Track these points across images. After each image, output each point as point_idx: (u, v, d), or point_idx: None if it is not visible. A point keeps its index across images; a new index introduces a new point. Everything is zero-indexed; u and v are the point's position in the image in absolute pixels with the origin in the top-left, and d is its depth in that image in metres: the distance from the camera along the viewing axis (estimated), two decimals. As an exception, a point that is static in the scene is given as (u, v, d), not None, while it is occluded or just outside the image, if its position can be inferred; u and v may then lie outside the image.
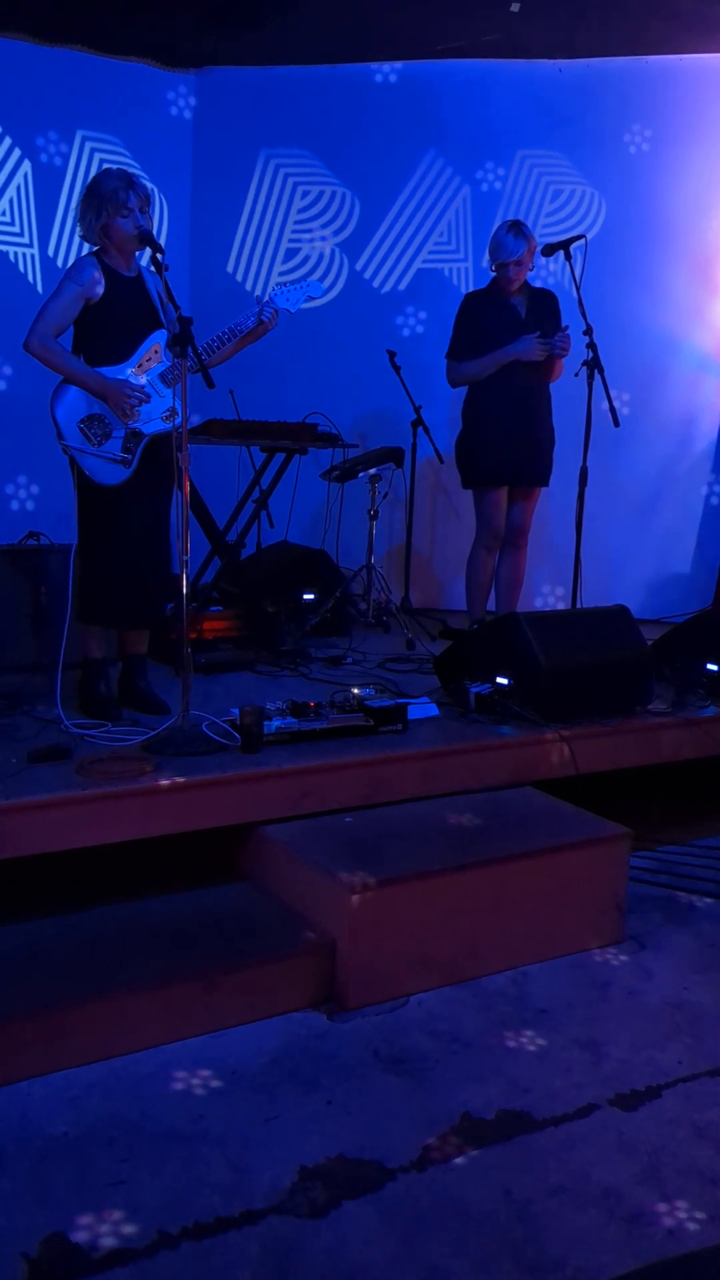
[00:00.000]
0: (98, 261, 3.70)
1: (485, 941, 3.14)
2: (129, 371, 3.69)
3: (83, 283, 3.66)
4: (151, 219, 3.71)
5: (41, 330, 3.64)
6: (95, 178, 3.74)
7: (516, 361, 4.97)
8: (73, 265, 3.75)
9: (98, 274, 3.67)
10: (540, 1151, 2.37)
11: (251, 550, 5.41)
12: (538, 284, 5.27)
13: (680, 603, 6.20)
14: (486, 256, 5.07)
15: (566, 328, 4.97)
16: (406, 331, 6.59)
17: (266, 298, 3.92)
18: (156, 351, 3.72)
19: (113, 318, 3.70)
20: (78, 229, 3.75)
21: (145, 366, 3.71)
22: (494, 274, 5.07)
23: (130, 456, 3.69)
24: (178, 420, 3.67)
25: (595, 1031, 2.86)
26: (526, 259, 4.96)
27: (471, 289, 5.66)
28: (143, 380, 3.70)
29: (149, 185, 3.76)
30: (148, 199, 3.68)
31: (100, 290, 3.66)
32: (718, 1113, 2.53)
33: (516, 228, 4.94)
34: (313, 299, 4.09)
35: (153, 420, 3.70)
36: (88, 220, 3.68)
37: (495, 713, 3.97)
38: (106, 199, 3.62)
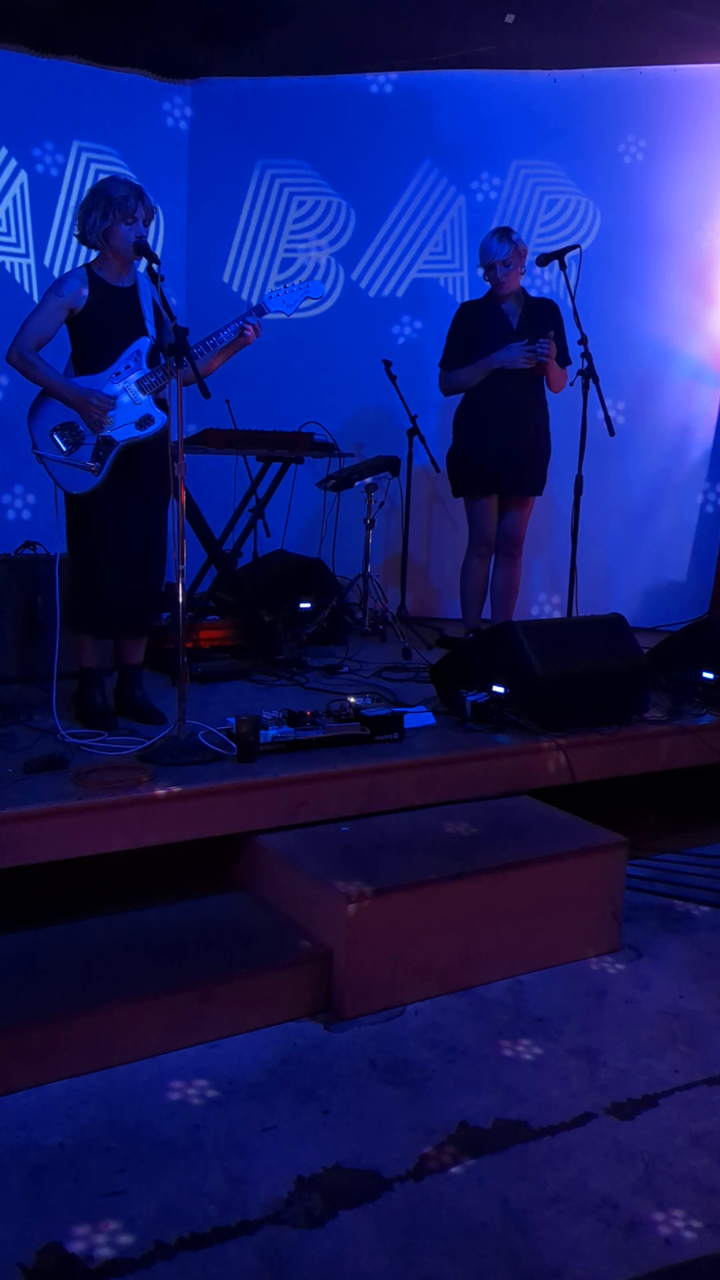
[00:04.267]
0: (87, 273, 3.69)
1: (482, 950, 3.14)
2: (109, 380, 3.69)
3: (63, 295, 3.66)
4: (148, 234, 3.70)
5: (21, 342, 3.65)
6: (105, 181, 3.71)
7: (507, 370, 4.97)
8: (60, 277, 3.75)
9: (83, 287, 3.66)
10: (537, 1161, 2.37)
11: (248, 559, 5.41)
12: (534, 293, 5.28)
13: (676, 611, 6.22)
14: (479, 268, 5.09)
15: (551, 334, 4.92)
16: (402, 341, 6.61)
17: (258, 302, 3.89)
18: (137, 359, 3.71)
19: (99, 327, 3.69)
20: (75, 229, 3.71)
21: (123, 374, 3.70)
22: (488, 283, 5.08)
23: (99, 465, 3.68)
24: (151, 428, 3.67)
25: (592, 1040, 2.86)
26: (513, 259, 4.94)
27: (467, 298, 5.67)
28: (118, 388, 3.70)
29: (153, 203, 3.76)
30: (152, 215, 3.67)
31: (84, 302, 3.66)
32: (715, 1121, 2.53)
33: (501, 231, 4.95)
34: (312, 299, 3.96)
35: (125, 427, 3.69)
36: (91, 220, 3.62)
37: (492, 721, 3.97)
38: (116, 204, 3.59)
